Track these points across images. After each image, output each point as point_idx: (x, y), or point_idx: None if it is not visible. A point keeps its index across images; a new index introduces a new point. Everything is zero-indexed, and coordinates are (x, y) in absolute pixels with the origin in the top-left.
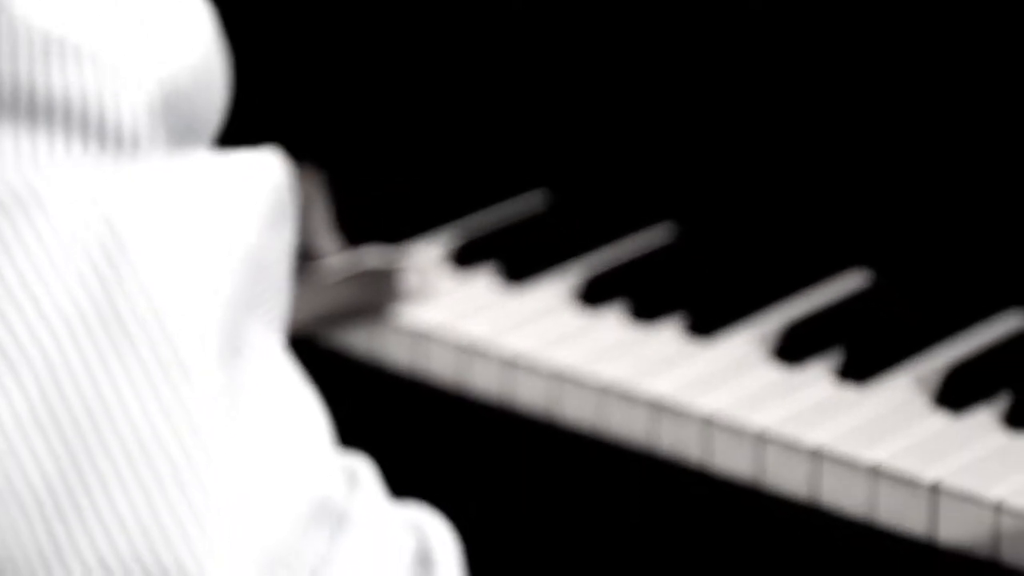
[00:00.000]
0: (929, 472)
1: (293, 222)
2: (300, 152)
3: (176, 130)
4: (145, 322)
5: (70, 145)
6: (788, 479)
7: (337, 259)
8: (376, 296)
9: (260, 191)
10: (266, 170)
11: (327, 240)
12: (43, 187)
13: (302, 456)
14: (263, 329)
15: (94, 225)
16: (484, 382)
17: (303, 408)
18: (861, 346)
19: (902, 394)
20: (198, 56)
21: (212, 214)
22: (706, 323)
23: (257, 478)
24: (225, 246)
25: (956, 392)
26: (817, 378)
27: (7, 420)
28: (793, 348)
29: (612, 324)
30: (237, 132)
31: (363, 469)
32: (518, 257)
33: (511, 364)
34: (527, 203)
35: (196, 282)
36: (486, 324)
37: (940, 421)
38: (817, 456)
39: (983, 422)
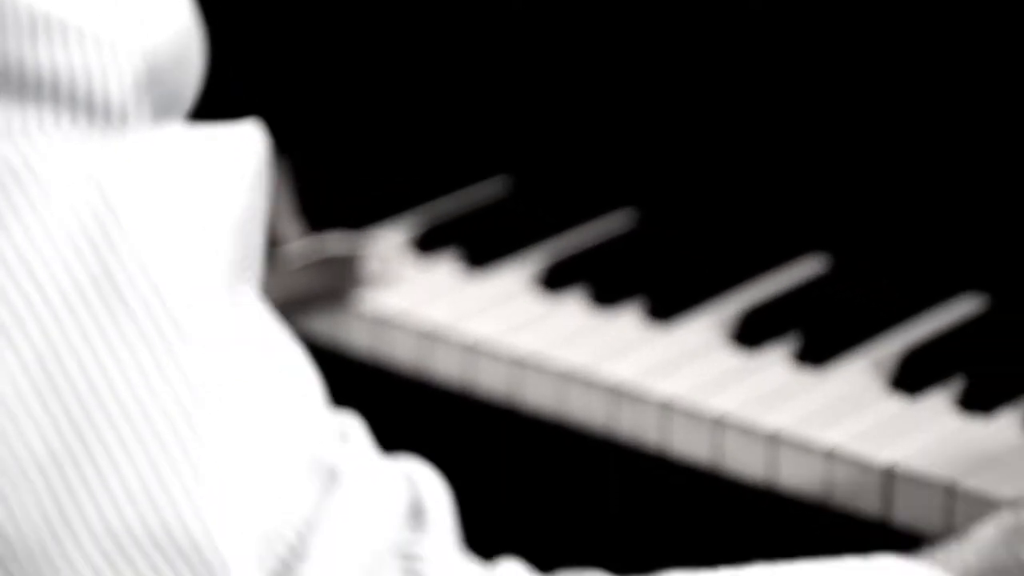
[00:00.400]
0: (883, 454)
1: (269, 190)
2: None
3: (159, 102)
4: (140, 290)
5: (60, 119)
6: (746, 463)
7: (299, 245)
8: (338, 282)
9: (246, 161)
10: (250, 141)
11: (290, 226)
12: (36, 161)
13: (298, 414)
14: (250, 290)
15: (88, 197)
16: (445, 368)
17: (296, 367)
18: (818, 330)
19: (859, 378)
20: (177, 29)
21: (203, 183)
22: (666, 308)
23: (256, 438)
24: (219, 212)
25: (911, 376)
26: (775, 362)
27: (8, 392)
28: (751, 333)
29: (573, 309)
30: (203, 115)
31: (353, 426)
32: (480, 243)
33: (472, 350)
34: (489, 189)
35: (192, 248)
36: (447, 310)
37: (896, 404)
38: (774, 440)
39: (938, 405)
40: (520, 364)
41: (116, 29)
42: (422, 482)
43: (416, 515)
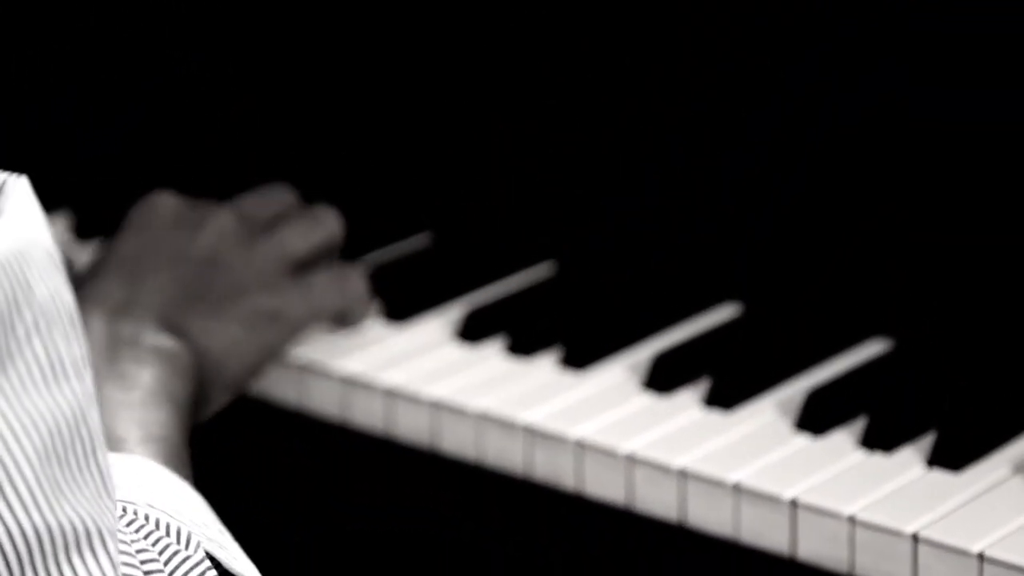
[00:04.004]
0: (789, 491)
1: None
2: None
3: None
4: None
5: None
6: (657, 501)
7: None
8: None
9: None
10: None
11: None
12: None
13: None
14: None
15: None
16: (365, 415)
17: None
18: (728, 375)
19: (766, 419)
20: None
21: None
22: (581, 356)
23: None
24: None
25: (816, 416)
26: (686, 406)
27: None
28: (663, 378)
29: (491, 358)
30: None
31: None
32: (401, 295)
33: (392, 395)
34: (411, 244)
35: None
36: (367, 360)
37: (801, 443)
38: (683, 477)
39: (841, 444)
40: (438, 408)
41: None
42: None
43: None
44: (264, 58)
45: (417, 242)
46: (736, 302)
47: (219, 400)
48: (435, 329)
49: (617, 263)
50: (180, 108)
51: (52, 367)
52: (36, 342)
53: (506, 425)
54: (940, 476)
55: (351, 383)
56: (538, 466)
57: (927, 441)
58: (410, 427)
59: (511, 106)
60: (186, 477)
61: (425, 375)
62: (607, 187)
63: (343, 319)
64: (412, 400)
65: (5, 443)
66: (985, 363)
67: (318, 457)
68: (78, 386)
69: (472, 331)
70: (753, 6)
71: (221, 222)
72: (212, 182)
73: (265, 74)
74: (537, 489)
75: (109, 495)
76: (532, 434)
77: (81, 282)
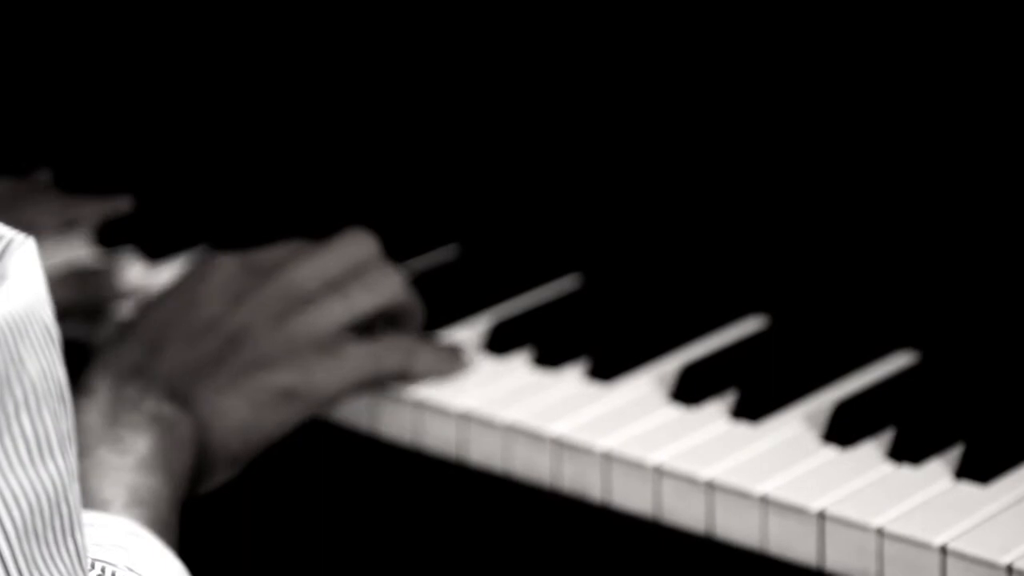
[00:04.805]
0: (817, 503)
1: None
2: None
3: None
4: None
5: None
6: (685, 512)
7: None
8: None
9: None
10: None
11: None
12: None
13: None
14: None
15: None
16: (393, 428)
17: None
18: (755, 387)
19: (793, 431)
20: None
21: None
22: (608, 368)
23: None
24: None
25: (844, 428)
26: (713, 417)
27: None
28: (690, 390)
29: (518, 370)
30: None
31: None
32: (427, 307)
33: (420, 407)
34: (437, 257)
35: None
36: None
37: (828, 455)
38: (711, 489)
39: (869, 456)
40: (466, 420)
41: None
42: None
43: None
44: (295, 71)
45: (444, 254)
46: (763, 314)
47: (223, 474)
48: (462, 341)
49: (643, 275)
50: (215, 120)
51: (38, 444)
52: (24, 418)
53: (534, 437)
54: (968, 488)
55: (379, 396)
56: (566, 478)
57: (955, 453)
58: (438, 439)
59: (538, 118)
60: (171, 543)
61: (452, 388)
62: (633, 199)
63: (383, 385)
64: (440, 412)
65: None
66: (1012, 375)
67: (347, 464)
68: (63, 463)
69: (499, 343)
70: (795, 21)
71: (263, 296)
72: (244, 193)
73: (295, 86)
74: (564, 500)
75: (83, 570)
76: (560, 446)
77: (108, 340)
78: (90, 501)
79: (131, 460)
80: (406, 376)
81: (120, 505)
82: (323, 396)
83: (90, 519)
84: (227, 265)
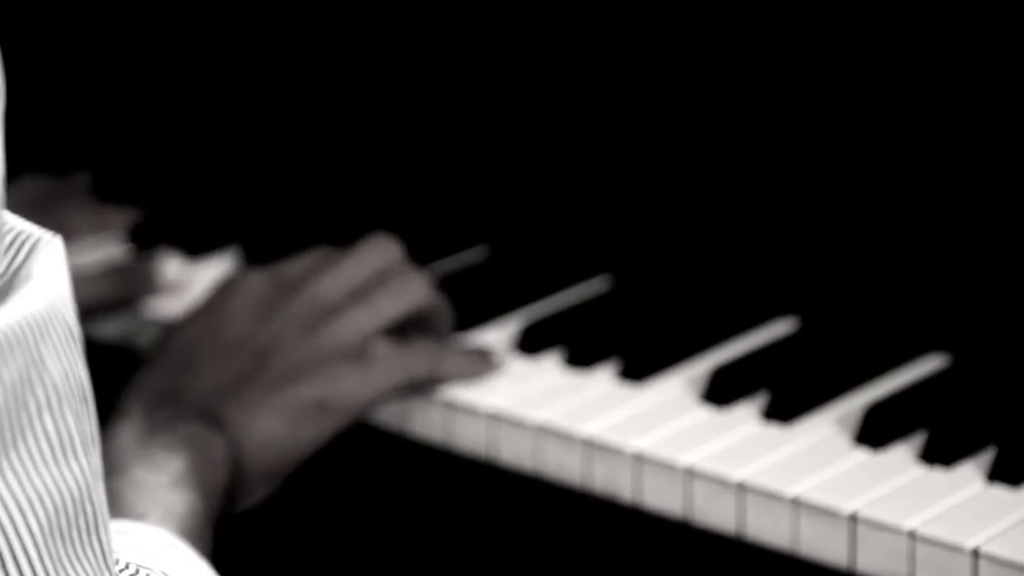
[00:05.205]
0: (848, 505)
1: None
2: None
3: None
4: None
5: None
6: (715, 514)
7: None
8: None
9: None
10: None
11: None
12: None
13: None
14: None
15: None
16: (425, 427)
17: None
18: (786, 388)
19: (825, 433)
20: None
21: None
22: (639, 369)
23: None
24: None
25: (875, 431)
26: (744, 419)
27: None
28: (721, 391)
29: (549, 371)
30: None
31: None
32: (458, 308)
33: (450, 408)
34: (467, 257)
35: None
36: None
37: (860, 457)
38: (742, 491)
39: (900, 458)
40: (496, 420)
41: None
42: None
43: None
44: (325, 74)
45: (474, 255)
46: (794, 316)
47: (259, 491)
48: (492, 342)
49: (674, 276)
50: (245, 123)
51: (61, 444)
52: (47, 418)
53: (565, 437)
54: (1000, 491)
55: (410, 397)
56: (596, 478)
57: (987, 456)
58: (469, 439)
59: (570, 120)
60: (205, 557)
61: (483, 388)
62: (664, 200)
63: (417, 387)
64: (471, 412)
65: (10, 517)
66: None
67: (377, 464)
68: (86, 462)
69: (530, 344)
70: (817, 29)
71: (289, 311)
72: (276, 193)
73: (324, 89)
74: (595, 501)
75: (109, 570)
76: (591, 446)
77: (141, 364)
78: (125, 516)
79: (165, 478)
80: (436, 380)
81: (155, 519)
82: (354, 406)
83: (125, 527)
84: (252, 282)
